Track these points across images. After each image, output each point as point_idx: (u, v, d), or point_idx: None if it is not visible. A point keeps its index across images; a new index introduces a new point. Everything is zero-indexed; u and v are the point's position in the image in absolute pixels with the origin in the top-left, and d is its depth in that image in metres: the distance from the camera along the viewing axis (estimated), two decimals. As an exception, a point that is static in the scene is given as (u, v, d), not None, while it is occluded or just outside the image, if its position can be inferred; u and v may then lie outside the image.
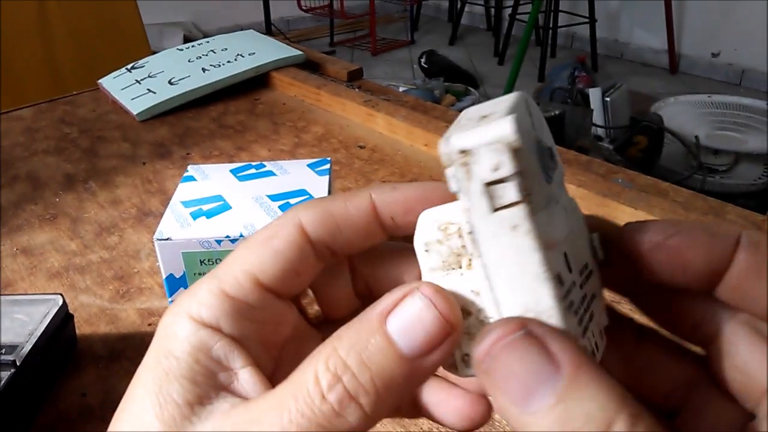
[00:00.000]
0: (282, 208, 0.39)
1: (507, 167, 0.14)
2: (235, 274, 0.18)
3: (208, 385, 0.17)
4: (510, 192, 0.14)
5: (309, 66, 0.81)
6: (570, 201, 0.17)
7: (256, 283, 0.18)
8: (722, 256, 0.16)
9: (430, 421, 0.33)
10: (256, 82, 0.78)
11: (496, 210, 0.15)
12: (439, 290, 0.16)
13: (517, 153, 0.14)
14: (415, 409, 0.20)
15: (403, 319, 0.16)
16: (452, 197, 0.16)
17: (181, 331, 0.17)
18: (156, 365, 0.17)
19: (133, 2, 1.32)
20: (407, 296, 0.16)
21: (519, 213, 0.14)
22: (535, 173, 0.15)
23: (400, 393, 0.16)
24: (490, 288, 0.16)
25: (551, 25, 3.07)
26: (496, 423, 0.34)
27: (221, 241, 0.37)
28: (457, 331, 0.16)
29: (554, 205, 0.15)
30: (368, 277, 0.21)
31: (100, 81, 0.79)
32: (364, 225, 0.19)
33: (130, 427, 0.17)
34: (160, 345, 0.17)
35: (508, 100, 0.15)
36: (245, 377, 0.17)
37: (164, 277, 0.38)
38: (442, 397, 0.20)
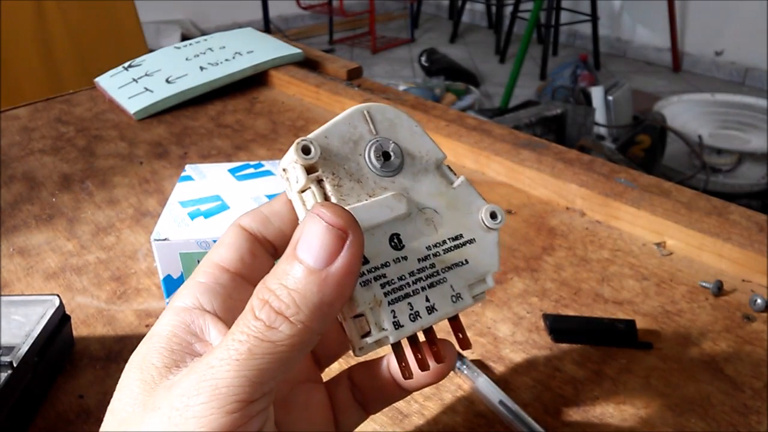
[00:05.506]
0: (280, 208, 0.39)
1: (296, 168, 0.22)
2: (203, 267, 0.22)
3: (184, 353, 0.20)
4: (301, 181, 0.22)
5: (308, 64, 0.81)
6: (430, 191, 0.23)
7: (221, 269, 0.22)
8: None
9: (425, 420, 0.32)
10: (254, 81, 0.78)
11: (298, 192, 0.22)
12: (326, 205, 0.19)
13: (306, 161, 0.22)
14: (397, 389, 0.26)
15: (304, 239, 0.19)
16: None
17: (163, 317, 0.21)
18: (142, 346, 0.21)
19: (130, 0, 1.31)
20: (305, 221, 0.20)
21: (307, 195, 0.22)
22: (336, 170, 0.22)
23: (323, 303, 0.19)
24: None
25: (553, 23, 3.07)
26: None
27: (218, 241, 0.36)
28: (355, 235, 0.19)
29: (381, 192, 0.22)
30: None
31: (96, 80, 0.78)
32: (287, 214, 0.23)
33: (119, 392, 0.20)
34: (148, 333, 0.21)
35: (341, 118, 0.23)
36: None
37: (162, 277, 0.37)
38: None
